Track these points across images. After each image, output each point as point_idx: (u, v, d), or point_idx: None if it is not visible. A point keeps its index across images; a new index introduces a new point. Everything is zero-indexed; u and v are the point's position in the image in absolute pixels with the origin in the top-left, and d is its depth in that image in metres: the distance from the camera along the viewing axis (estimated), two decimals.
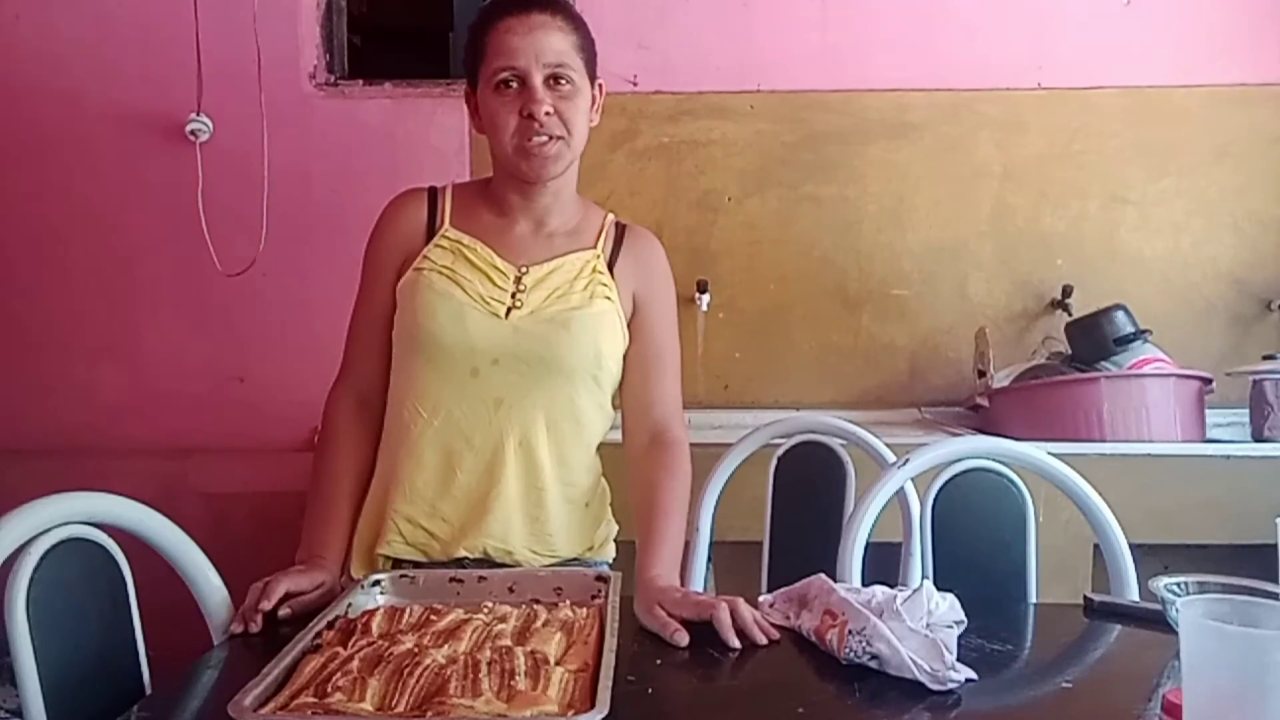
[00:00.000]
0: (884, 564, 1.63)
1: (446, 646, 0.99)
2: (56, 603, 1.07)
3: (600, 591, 1.21)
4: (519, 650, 0.97)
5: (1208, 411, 2.38)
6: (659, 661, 1.09)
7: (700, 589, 1.97)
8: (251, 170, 2.58)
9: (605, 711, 0.84)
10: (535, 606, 1.16)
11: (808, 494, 1.94)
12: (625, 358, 1.43)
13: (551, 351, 1.34)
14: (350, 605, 1.14)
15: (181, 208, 2.59)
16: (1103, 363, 2.49)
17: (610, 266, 1.42)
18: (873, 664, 1.04)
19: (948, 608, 1.10)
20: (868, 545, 1.53)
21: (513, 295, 1.36)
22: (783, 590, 1.26)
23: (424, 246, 1.39)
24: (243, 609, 1.20)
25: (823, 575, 1.21)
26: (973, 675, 1.01)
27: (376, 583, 1.23)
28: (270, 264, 2.59)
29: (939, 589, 1.12)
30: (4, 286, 2.70)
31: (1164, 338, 2.54)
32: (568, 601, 1.18)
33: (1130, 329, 2.48)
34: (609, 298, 1.39)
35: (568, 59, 1.33)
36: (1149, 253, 2.73)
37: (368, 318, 1.44)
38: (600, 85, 1.41)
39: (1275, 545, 1.09)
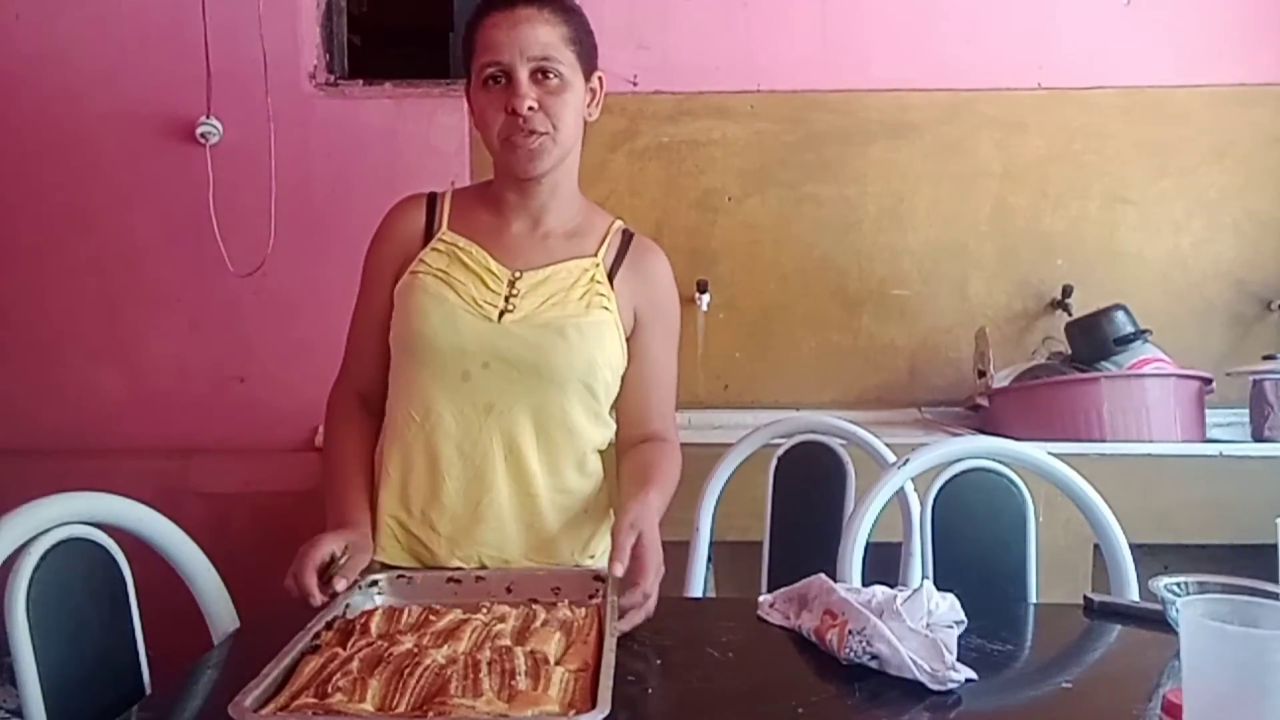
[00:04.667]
0: (884, 564, 1.63)
1: (446, 646, 0.98)
2: (56, 603, 1.07)
3: (598, 591, 1.21)
4: (519, 650, 0.96)
5: (1208, 411, 2.38)
6: (659, 661, 1.10)
7: (700, 589, 1.97)
8: (258, 171, 2.58)
9: (606, 711, 0.83)
10: (534, 606, 1.15)
11: (808, 494, 1.94)
12: (624, 375, 1.42)
13: (544, 358, 1.32)
14: (348, 606, 1.14)
15: (193, 210, 2.60)
16: (1103, 363, 2.49)
17: (611, 276, 1.40)
18: (873, 664, 1.04)
19: (948, 608, 1.10)
20: (868, 545, 1.53)
21: (506, 299, 1.34)
22: (783, 590, 1.27)
23: (421, 250, 1.39)
24: (294, 585, 1.17)
25: (823, 575, 1.22)
26: (973, 675, 1.01)
27: (374, 583, 1.22)
28: (273, 264, 2.59)
29: (939, 589, 1.12)
30: (8, 287, 2.70)
31: (1164, 338, 2.54)
32: (566, 601, 1.17)
33: (1130, 329, 2.48)
34: (606, 308, 1.37)
35: (554, 52, 1.31)
36: (1149, 253, 2.73)
37: (365, 323, 1.44)
38: (600, 79, 1.39)
39: (1275, 545, 1.09)
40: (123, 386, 2.70)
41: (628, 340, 1.41)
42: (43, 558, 1.07)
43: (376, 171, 2.64)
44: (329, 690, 0.86)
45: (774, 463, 1.97)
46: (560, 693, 0.89)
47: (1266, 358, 2.45)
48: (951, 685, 1.00)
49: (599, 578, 1.23)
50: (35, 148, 2.68)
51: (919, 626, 1.05)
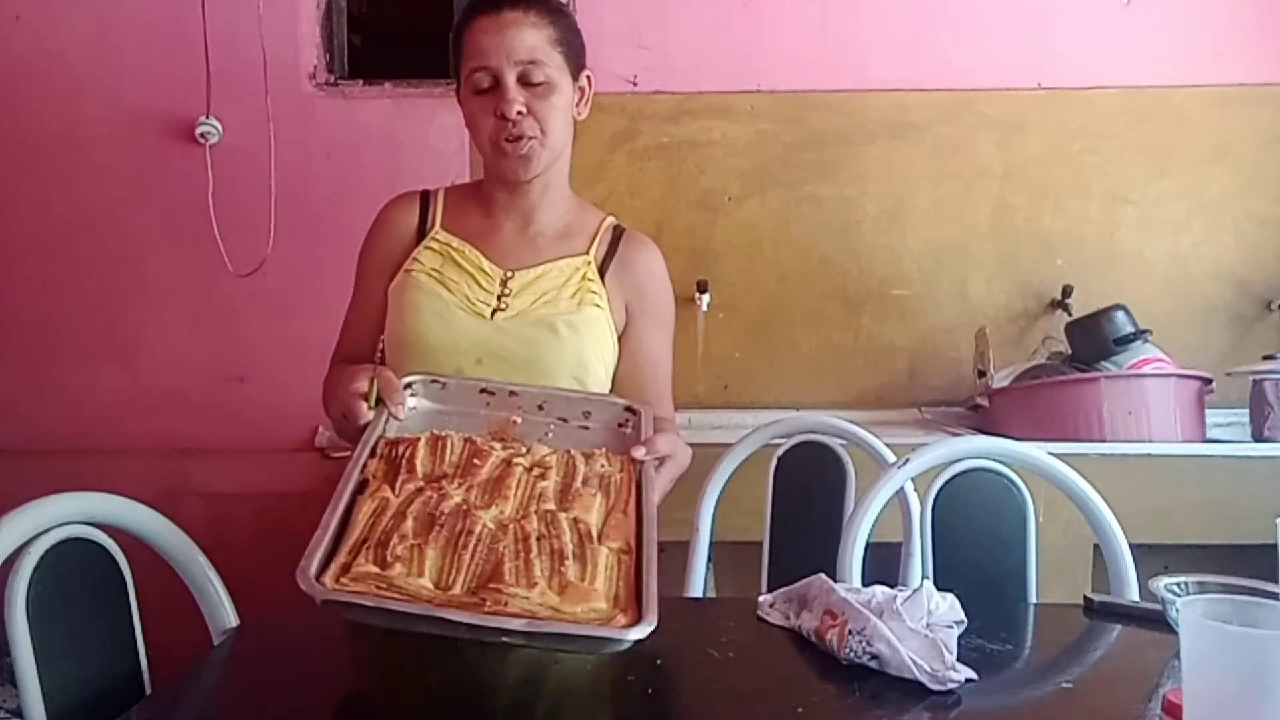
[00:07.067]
0: (884, 564, 1.63)
1: (494, 508, 1.01)
2: (56, 603, 1.07)
3: (628, 421, 1.23)
4: (564, 519, 0.99)
5: (1208, 411, 2.38)
6: (659, 661, 1.09)
7: (700, 589, 1.97)
8: (258, 171, 2.58)
9: (653, 625, 0.87)
10: (572, 456, 1.13)
11: (808, 494, 1.94)
12: (617, 370, 1.42)
13: (536, 353, 1.33)
14: (387, 421, 1.15)
15: (192, 209, 2.60)
16: (1103, 363, 2.49)
17: (602, 273, 1.41)
18: (873, 664, 1.04)
19: (948, 608, 1.10)
20: (868, 545, 1.53)
21: (498, 298, 1.36)
22: (783, 590, 1.26)
23: (415, 249, 1.40)
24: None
25: (823, 575, 1.22)
26: (973, 675, 1.01)
27: (408, 385, 1.22)
28: (272, 264, 2.59)
29: (939, 589, 1.12)
30: (8, 287, 2.70)
31: (1164, 338, 2.54)
32: (604, 451, 1.16)
33: (1130, 329, 2.48)
34: (598, 305, 1.38)
35: (541, 55, 1.32)
36: (1149, 253, 2.73)
37: (359, 319, 1.45)
38: (589, 77, 1.40)
39: (1275, 545, 1.09)
40: (123, 386, 2.70)
41: (621, 335, 1.42)
42: (43, 558, 1.07)
43: (376, 172, 2.64)
44: (388, 559, 0.90)
45: (774, 463, 1.97)
46: (607, 584, 0.92)
47: (1266, 358, 2.45)
48: (951, 685, 1.00)
49: (629, 409, 1.25)
50: (36, 147, 2.67)
51: (919, 626, 1.05)
